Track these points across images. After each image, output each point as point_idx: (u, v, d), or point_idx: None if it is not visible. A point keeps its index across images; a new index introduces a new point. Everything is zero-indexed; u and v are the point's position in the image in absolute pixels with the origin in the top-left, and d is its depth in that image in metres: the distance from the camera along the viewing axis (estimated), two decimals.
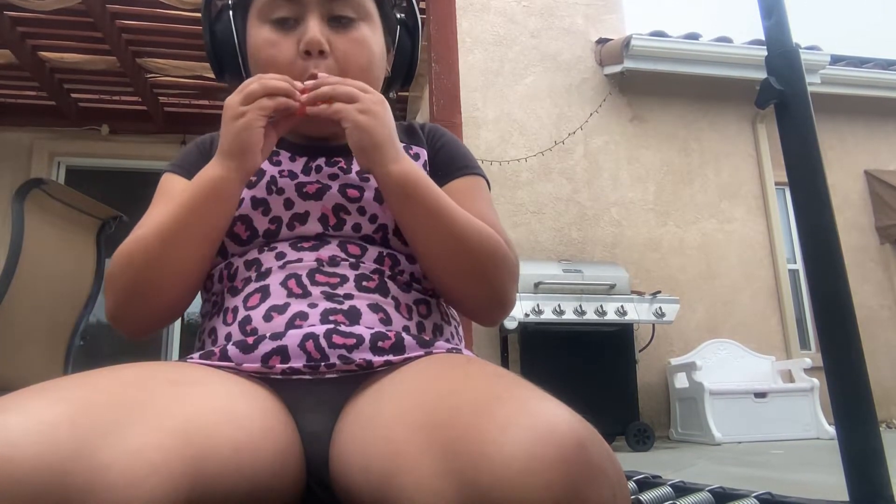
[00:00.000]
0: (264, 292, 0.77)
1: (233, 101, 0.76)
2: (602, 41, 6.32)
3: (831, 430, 4.54)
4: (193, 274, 0.80)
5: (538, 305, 4.63)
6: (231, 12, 0.91)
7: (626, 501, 0.46)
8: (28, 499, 0.40)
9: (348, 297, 0.76)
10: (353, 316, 0.75)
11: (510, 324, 4.56)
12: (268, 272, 0.78)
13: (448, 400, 0.53)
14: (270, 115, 0.76)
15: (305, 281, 0.77)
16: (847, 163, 6.53)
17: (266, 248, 0.81)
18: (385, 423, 0.57)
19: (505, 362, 5.00)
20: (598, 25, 6.47)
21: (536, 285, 4.75)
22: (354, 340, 0.71)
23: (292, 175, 0.87)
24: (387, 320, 0.76)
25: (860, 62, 6.72)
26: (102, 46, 4.14)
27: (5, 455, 0.41)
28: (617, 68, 6.07)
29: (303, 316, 0.74)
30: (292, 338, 0.71)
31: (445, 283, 0.81)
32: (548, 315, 4.63)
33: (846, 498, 1.32)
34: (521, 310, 4.59)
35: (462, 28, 5.65)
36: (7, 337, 2.15)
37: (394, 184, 0.76)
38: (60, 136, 5.19)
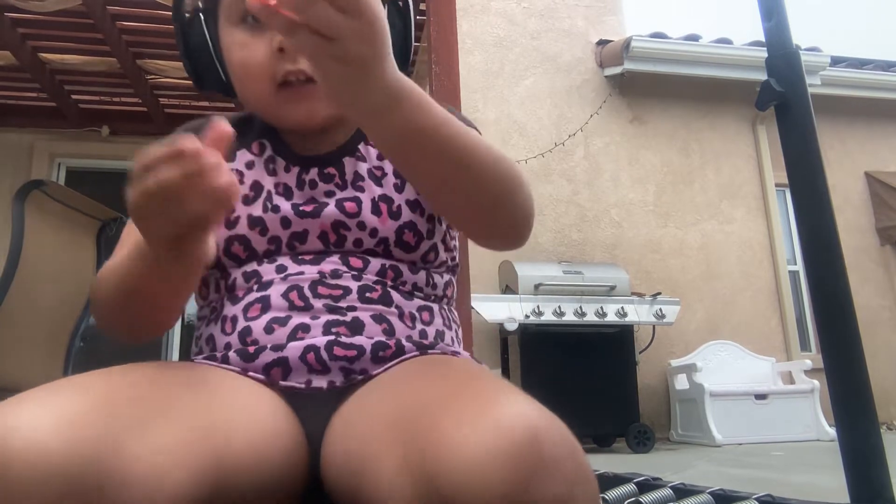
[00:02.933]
0: (265, 303, 0.75)
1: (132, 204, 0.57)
2: (602, 42, 6.33)
3: (832, 431, 4.53)
4: (166, 315, 0.74)
5: (538, 307, 4.63)
6: (202, 18, 0.85)
7: (587, 496, 0.45)
8: (60, 491, 0.41)
9: (351, 308, 0.75)
10: (356, 327, 0.74)
11: (510, 325, 4.56)
12: (269, 283, 0.76)
13: (418, 397, 0.54)
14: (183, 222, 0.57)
15: (307, 293, 0.75)
16: (847, 164, 6.53)
17: (266, 261, 0.78)
18: (363, 421, 0.60)
19: (505, 364, 5.00)
20: (598, 27, 6.47)
21: (537, 287, 4.75)
22: (355, 352, 0.72)
23: (287, 192, 0.82)
24: (390, 331, 0.75)
25: (860, 64, 6.72)
26: (103, 48, 4.14)
27: (37, 448, 0.41)
28: (617, 70, 6.07)
29: (304, 328, 0.73)
30: (293, 350, 0.71)
31: (463, 218, 0.75)
32: (548, 316, 4.62)
33: (847, 500, 1.32)
34: (521, 311, 4.59)
35: (462, 30, 5.65)
36: (7, 338, 2.15)
37: (387, 139, 0.63)
38: (61, 137, 5.19)
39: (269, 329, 0.73)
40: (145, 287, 0.68)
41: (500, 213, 0.72)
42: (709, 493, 0.91)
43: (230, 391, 0.62)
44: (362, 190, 0.81)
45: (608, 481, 1.17)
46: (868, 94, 6.56)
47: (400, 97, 0.59)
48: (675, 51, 6.03)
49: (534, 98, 6.11)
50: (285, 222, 0.79)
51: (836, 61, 6.40)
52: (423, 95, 0.62)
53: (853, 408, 1.38)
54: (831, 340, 1.45)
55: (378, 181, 0.81)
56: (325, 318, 0.74)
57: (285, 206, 0.80)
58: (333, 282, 0.76)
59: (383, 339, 0.74)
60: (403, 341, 0.74)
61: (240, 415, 0.59)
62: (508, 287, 4.97)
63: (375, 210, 0.79)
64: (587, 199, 5.95)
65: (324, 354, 0.71)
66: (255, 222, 0.79)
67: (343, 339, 0.72)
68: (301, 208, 0.79)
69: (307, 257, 0.78)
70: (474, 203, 0.70)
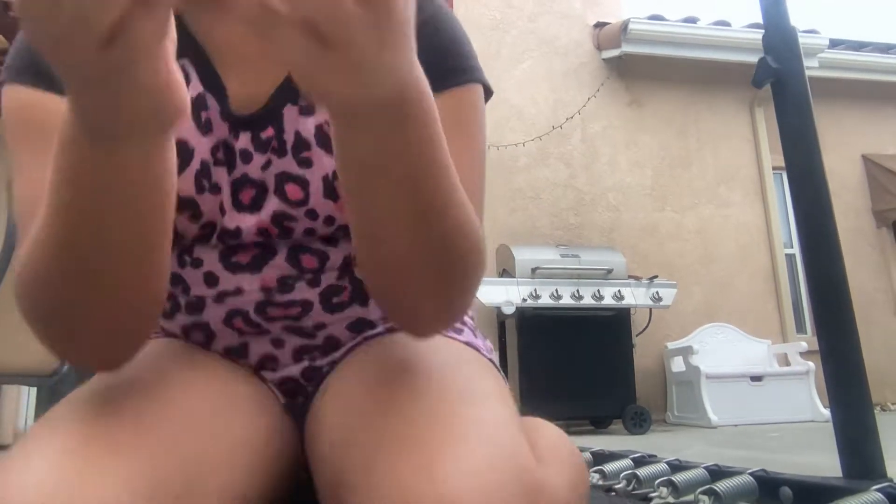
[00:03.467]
0: (206, 331, 0.62)
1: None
2: (600, 25, 6.28)
3: (826, 412, 4.56)
4: (143, 282, 0.48)
5: (535, 290, 4.64)
6: None
7: None
8: None
9: (320, 326, 0.62)
10: (331, 346, 0.64)
11: (508, 309, 4.57)
12: (201, 303, 0.61)
13: (364, 440, 0.48)
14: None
15: (256, 318, 0.60)
16: (845, 147, 6.52)
17: (189, 261, 0.60)
18: (321, 440, 0.57)
19: (503, 347, 5.01)
20: (595, 9, 6.43)
21: (534, 270, 4.75)
22: (336, 363, 0.66)
23: (229, 158, 0.59)
24: (372, 329, 0.66)
25: (858, 46, 6.69)
26: None
27: None
28: (615, 52, 6.04)
29: (271, 360, 0.63)
30: (268, 378, 0.65)
31: (392, 287, 0.52)
32: (545, 300, 4.63)
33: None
34: (518, 295, 4.60)
35: (459, 13, 5.60)
36: (4, 324, 2.15)
37: (365, 156, 0.43)
38: None
39: (229, 360, 0.64)
40: (108, 224, 0.42)
41: (446, 289, 0.51)
42: (703, 467, 0.91)
43: (245, 448, 0.54)
44: (308, 164, 0.58)
45: (605, 458, 1.18)
46: (866, 77, 6.53)
47: (409, 103, 0.39)
48: (673, 33, 5.99)
49: (531, 81, 6.07)
50: (222, 209, 0.59)
51: (834, 43, 6.37)
52: (431, 100, 0.42)
53: (848, 389, 1.39)
54: (827, 323, 1.46)
55: (330, 146, 0.57)
56: (290, 343, 0.62)
57: (226, 185, 0.59)
58: (285, 298, 0.60)
59: (364, 336, 0.66)
60: (379, 324, 0.66)
61: (258, 487, 0.54)
62: (505, 270, 4.97)
63: (329, 193, 0.58)
64: (584, 182, 5.95)
65: (303, 382, 0.65)
66: (184, 204, 0.56)
67: (319, 361, 0.64)
68: (239, 197, 0.59)
69: (243, 259, 0.60)
70: (415, 251, 0.48)
